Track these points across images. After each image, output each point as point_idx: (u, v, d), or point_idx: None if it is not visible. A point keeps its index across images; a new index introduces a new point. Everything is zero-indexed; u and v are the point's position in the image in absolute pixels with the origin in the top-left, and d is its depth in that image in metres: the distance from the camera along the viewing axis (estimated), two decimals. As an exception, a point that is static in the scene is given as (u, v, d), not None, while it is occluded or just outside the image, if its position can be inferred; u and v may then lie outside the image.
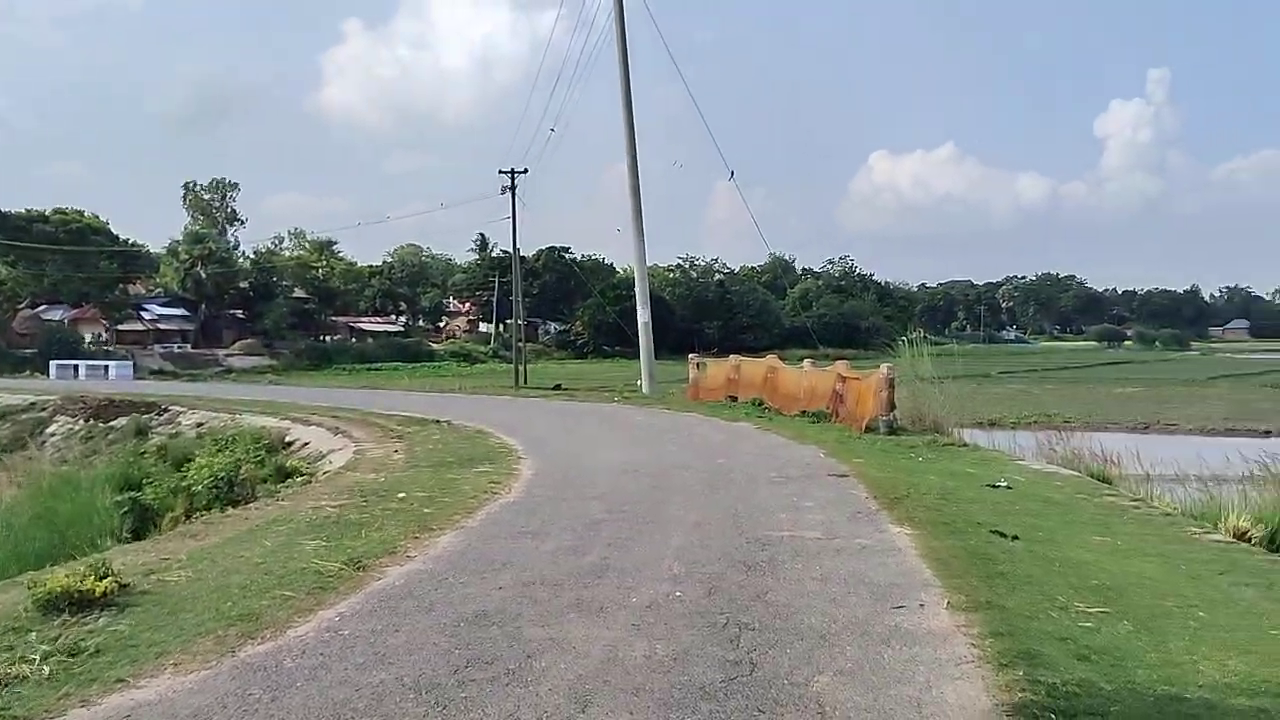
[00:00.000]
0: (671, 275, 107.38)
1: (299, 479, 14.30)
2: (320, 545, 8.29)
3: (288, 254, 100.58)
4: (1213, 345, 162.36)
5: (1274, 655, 5.41)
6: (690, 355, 33.27)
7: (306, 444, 20.02)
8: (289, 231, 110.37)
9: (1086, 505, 10.73)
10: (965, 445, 16.60)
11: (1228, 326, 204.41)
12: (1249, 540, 9.04)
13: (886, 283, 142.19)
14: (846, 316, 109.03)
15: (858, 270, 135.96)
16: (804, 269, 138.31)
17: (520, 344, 54.10)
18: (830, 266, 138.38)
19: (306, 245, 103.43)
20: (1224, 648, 5.53)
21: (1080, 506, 10.64)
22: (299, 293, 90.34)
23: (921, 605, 6.46)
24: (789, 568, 7.61)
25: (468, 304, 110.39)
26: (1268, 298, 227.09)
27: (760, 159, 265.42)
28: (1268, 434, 29.50)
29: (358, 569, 7.46)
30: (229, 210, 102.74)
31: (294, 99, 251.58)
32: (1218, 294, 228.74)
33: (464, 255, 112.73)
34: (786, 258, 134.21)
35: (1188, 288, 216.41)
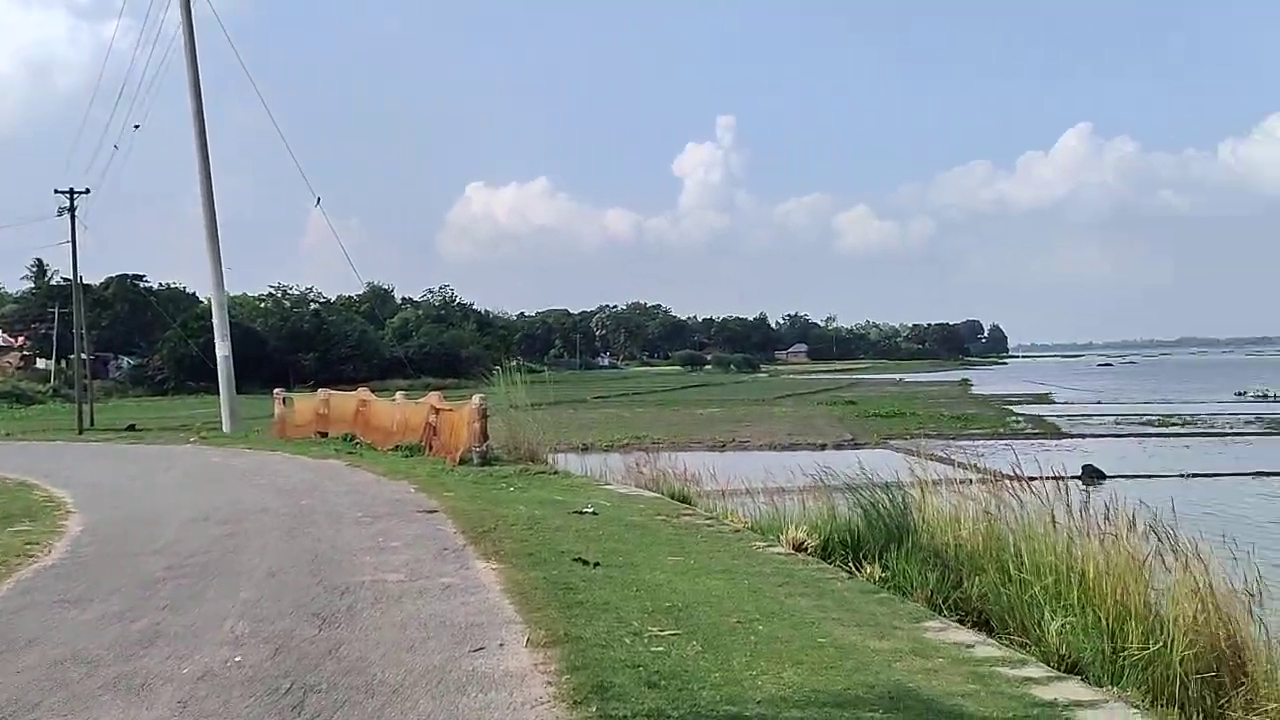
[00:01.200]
0: (263, 305, 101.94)
1: None
2: None
3: None
4: (779, 368, 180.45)
5: (823, 664, 5.76)
6: (276, 390, 31.45)
7: None
8: None
9: (665, 527, 11.16)
10: (557, 472, 16.88)
11: (790, 350, 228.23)
12: (806, 550, 9.76)
13: (487, 311, 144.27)
14: (447, 346, 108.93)
15: (458, 299, 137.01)
16: (404, 298, 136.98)
17: (85, 381, 48.58)
18: (430, 296, 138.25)
19: None
20: (780, 660, 5.81)
21: (659, 528, 11.05)
22: None
23: (501, 645, 6.27)
24: (367, 615, 7.14)
25: (20, 338, 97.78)
26: (822, 324, 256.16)
27: (358, 187, 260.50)
28: (824, 447, 32.85)
29: None
30: None
31: None
32: (782, 320, 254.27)
33: (17, 283, 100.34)
34: (385, 287, 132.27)
35: (757, 315, 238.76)
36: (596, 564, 8.65)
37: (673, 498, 14.10)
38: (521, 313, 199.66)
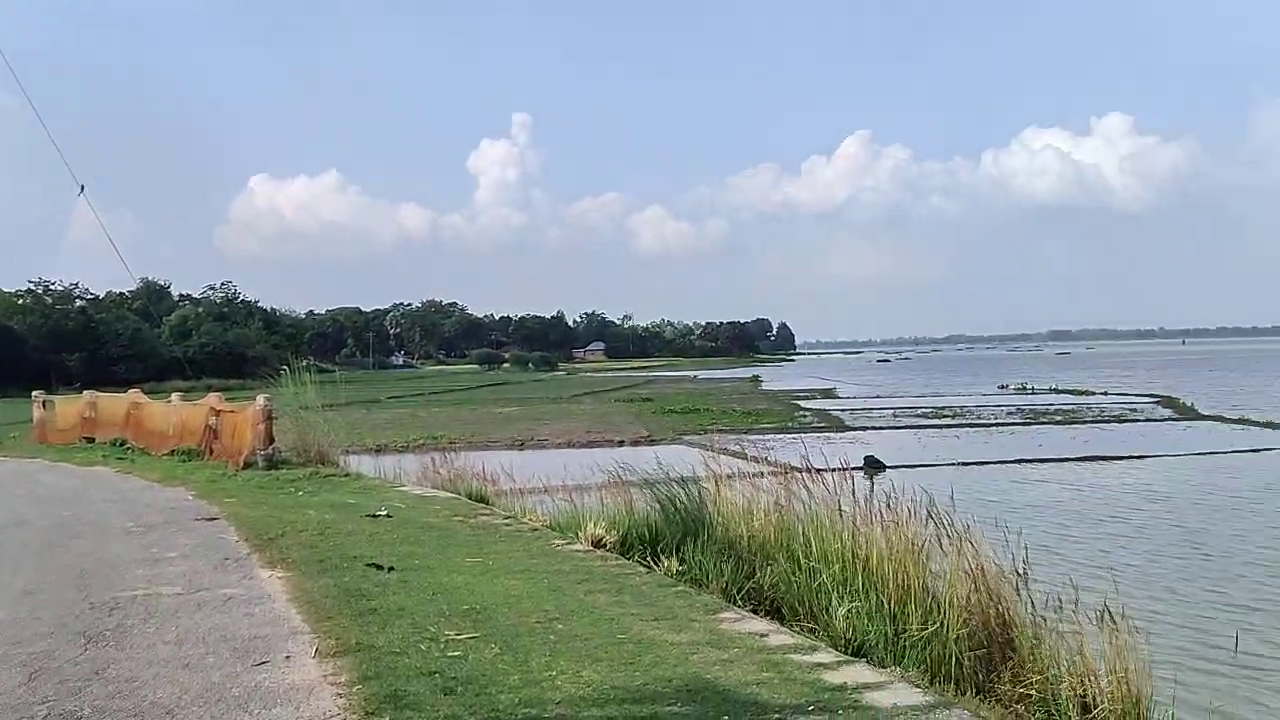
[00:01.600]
0: (22, 301, 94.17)
1: None
2: None
3: None
4: (577, 366, 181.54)
5: (622, 660, 5.75)
6: (35, 393, 29.02)
7: None
8: None
9: (463, 528, 10.95)
10: (349, 475, 16.32)
11: (588, 349, 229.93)
12: (605, 547, 9.78)
13: (274, 309, 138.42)
14: (231, 345, 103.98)
15: (241, 297, 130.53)
16: (182, 295, 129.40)
17: None
18: (211, 292, 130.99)
19: None
20: (580, 659, 5.76)
21: (457, 529, 10.84)
22: None
23: (288, 657, 5.95)
24: (140, 632, 6.65)
25: None
26: (619, 322, 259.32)
27: (131, 179, 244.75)
28: (621, 444, 33.25)
29: None
30: None
31: None
32: (580, 319, 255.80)
33: None
34: (161, 283, 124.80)
35: (554, 314, 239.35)
36: (391, 568, 8.38)
37: (470, 498, 13.88)
38: (311, 311, 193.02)
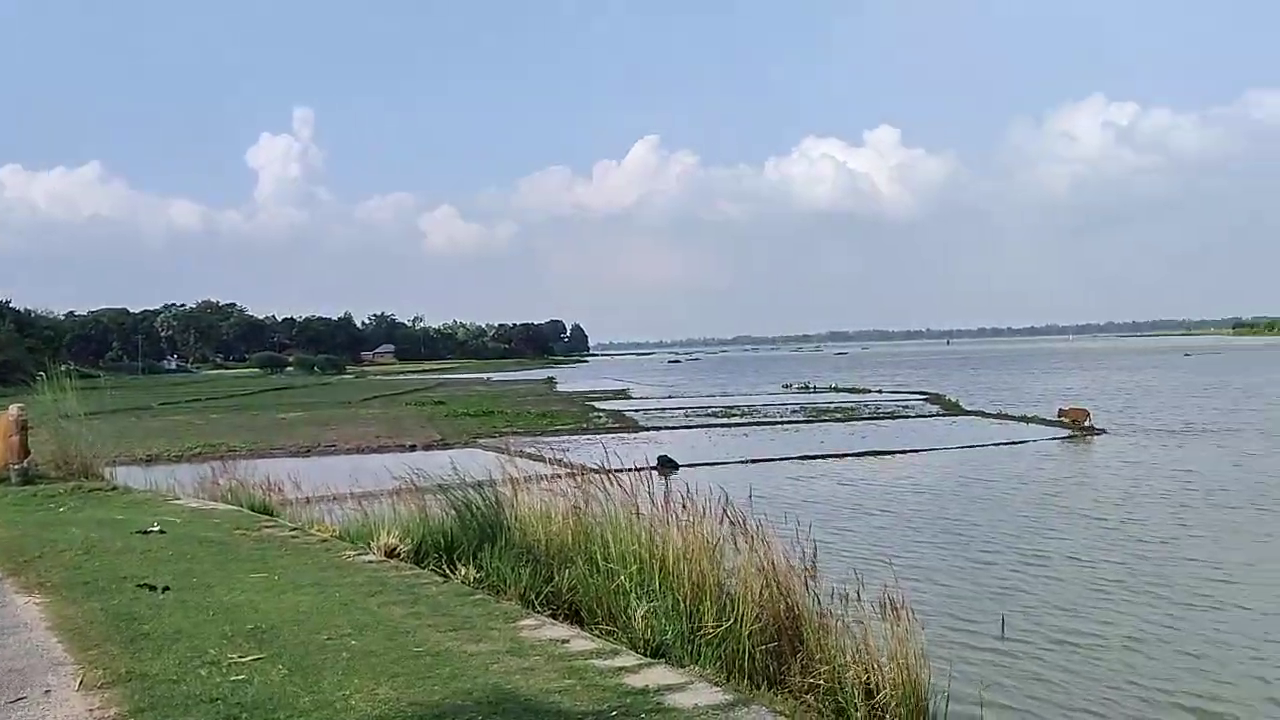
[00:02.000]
0: None
1: None
2: None
3: None
4: (365, 369, 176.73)
5: (419, 674, 5.57)
6: None
7: None
8: None
9: (245, 541, 10.39)
10: (117, 488, 15.22)
11: (377, 351, 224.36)
12: (398, 556, 9.49)
13: (28, 310, 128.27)
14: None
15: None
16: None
17: None
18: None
19: None
20: (375, 675, 5.54)
21: (239, 544, 10.27)
22: None
23: (48, 691, 5.45)
24: None
25: None
26: (409, 324, 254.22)
27: None
28: (413, 448, 32.58)
29: None
30: None
31: None
32: (368, 321, 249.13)
33: None
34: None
35: (342, 315, 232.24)
36: (166, 588, 7.83)
37: (253, 510, 13.21)
38: (71, 312, 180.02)
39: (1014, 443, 33.69)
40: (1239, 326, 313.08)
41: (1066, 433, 35.63)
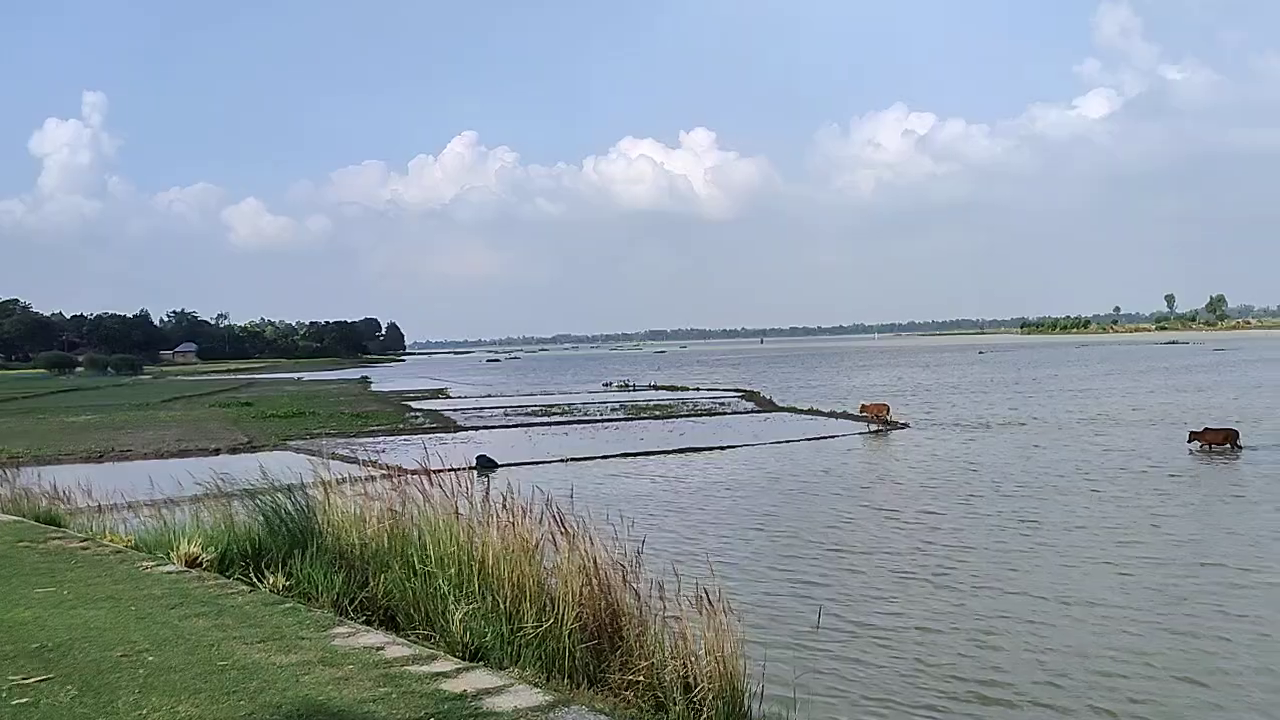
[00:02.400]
0: None
1: None
2: None
3: None
4: (165, 369, 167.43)
5: (224, 690, 5.31)
6: None
7: None
8: None
9: (30, 554, 9.68)
10: (-121, 500, 13.92)
11: (178, 350, 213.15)
12: (201, 566, 9.03)
13: None
14: None
15: None
16: None
17: None
18: None
19: None
20: (175, 692, 5.26)
21: (23, 557, 9.55)
22: None
23: None
24: None
25: None
26: (213, 322, 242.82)
27: None
28: (217, 452, 31.14)
29: None
30: None
31: None
32: (168, 318, 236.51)
33: None
34: None
35: (138, 312, 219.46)
36: (-64, 608, 7.21)
37: (39, 520, 12.32)
38: None
39: (822, 438, 35.05)
40: (1026, 326, 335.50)
41: (872, 427, 37.29)
